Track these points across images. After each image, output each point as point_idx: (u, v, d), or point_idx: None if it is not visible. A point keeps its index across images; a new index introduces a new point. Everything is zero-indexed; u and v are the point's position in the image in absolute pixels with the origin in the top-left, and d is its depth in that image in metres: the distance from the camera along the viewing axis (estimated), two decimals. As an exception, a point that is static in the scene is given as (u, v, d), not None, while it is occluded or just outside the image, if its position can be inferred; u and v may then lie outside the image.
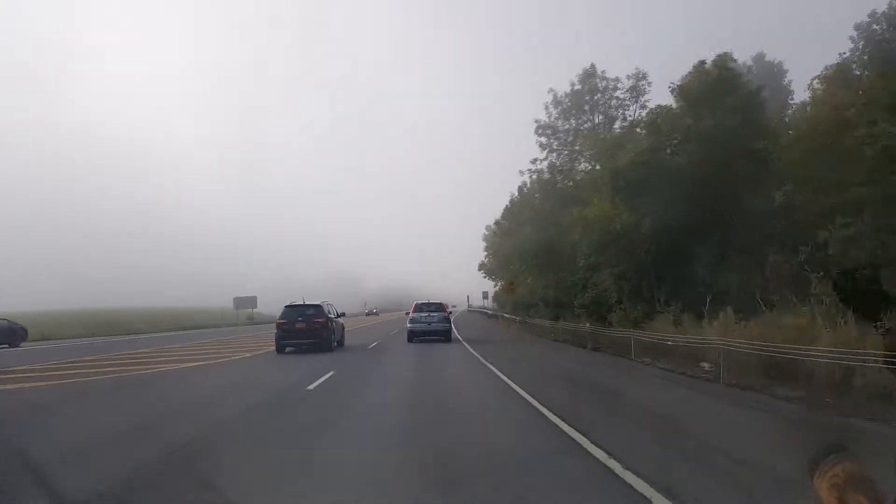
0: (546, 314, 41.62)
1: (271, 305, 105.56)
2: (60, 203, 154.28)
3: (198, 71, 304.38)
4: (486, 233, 77.21)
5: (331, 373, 14.87)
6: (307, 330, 22.27)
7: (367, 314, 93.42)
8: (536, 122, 29.91)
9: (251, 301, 78.80)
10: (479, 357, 19.12)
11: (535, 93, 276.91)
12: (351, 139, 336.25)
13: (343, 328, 26.53)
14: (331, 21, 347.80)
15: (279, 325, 22.74)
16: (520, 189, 45.19)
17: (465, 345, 24.84)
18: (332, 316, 24.26)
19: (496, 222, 45.20)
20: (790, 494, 4.87)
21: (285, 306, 23.67)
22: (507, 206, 44.95)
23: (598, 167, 27.96)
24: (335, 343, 23.79)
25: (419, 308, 27.70)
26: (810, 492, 1.70)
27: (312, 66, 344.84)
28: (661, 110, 23.39)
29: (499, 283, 75.79)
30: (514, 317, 46.27)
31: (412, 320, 27.34)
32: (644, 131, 25.10)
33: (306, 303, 23.54)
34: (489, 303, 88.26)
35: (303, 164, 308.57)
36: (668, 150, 21.41)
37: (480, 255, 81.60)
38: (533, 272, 37.86)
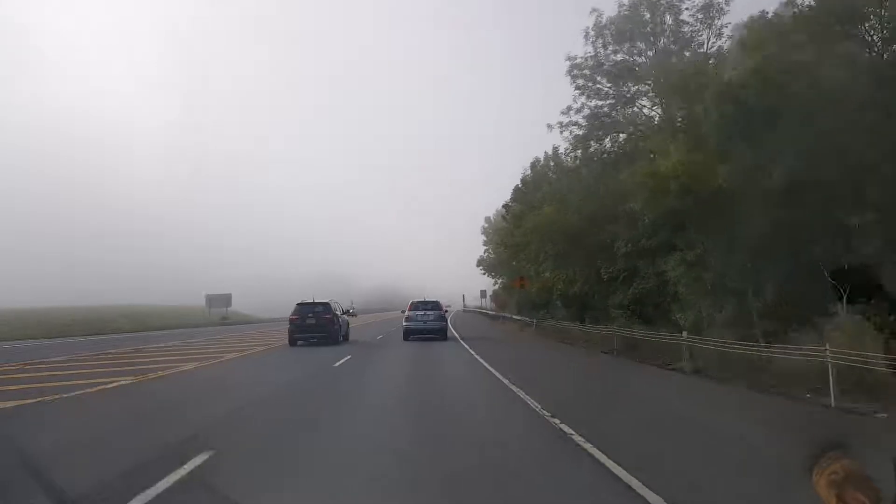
0: (566, 315, 33.53)
1: (255, 304, 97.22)
2: (35, 201, 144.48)
3: (182, 63, 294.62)
4: (486, 225, 69.17)
5: (203, 457, 6.40)
6: (316, 325, 23.98)
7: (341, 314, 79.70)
8: (570, 59, 21.66)
9: (225, 299, 70.24)
10: (526, 398, 10.91)
11: (534, 85, 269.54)
12: (345, 139, 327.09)
13: (348, 324, 27.87)
14: (318, 17, 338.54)
15: (292, 321, 24.53)
16: (533, 165, 37.04)
17: (488, 366, 16.41)
18: (339, 313, 25.99)
19: (505, 205, 36.99)
20: None
21: (297, 304, 25.08)
22: (517, 185, 36.84)
23: (660, 111, 19.86)
24: (341, 337, 25.42)
25: (415, 306, 26.89)
26: (809, 489, 1.59)
27: (305, 64, 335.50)
28: (770, 20, 15.28)
29: (499, 281, 67.73)
30: (524, 318, 38.12)
31: (408, 318, 26.60)
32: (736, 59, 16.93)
33: (316, 301, 25.00)
34: (487, 302, 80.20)
35: (293, 163, 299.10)
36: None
37: (477, 251, 73.67)
38: (552, 263, 29.71)
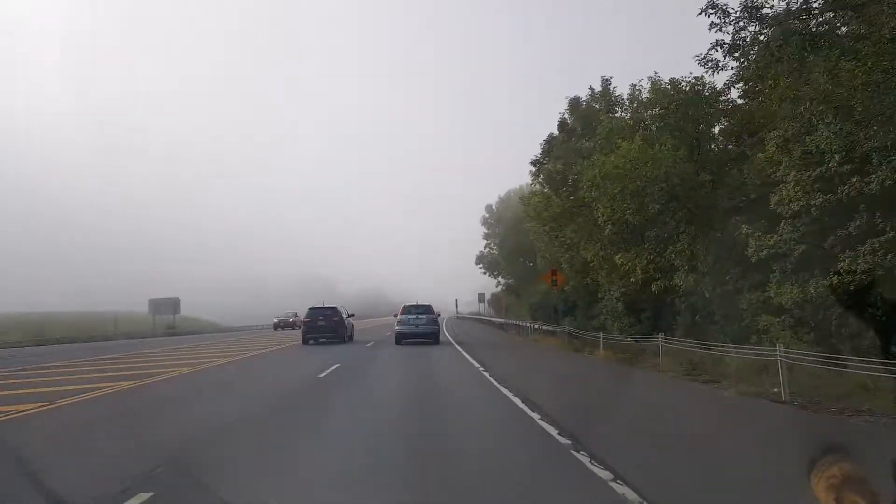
0: (626, 325, 21.46)
1: (227, 310, 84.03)
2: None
3: (167, 56, 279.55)
4: (487, 215, 56.88)
5: None
6: (326, 326, 27.11)
7: (277, 326, 52.42)
8: None
9: (172, 304, 57.17)
10: None
11: (528, 88, 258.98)
12: (328, 138, 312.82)
13: (353, 326, 30.68)
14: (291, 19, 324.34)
15: (305, 323, 27.63)
16: (573, 105, 24.80)
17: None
18: (345, 316, 28.97)
19: (534, 161, 24.51)
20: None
21: (309, 308, 28.41)
22: (550, 135, 24.60)
23: None
24: (347, 337, 28.10)
25: (407, 310, 26.32)
26: (808, 492, 1.56)
27: (289, 61, 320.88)
28: None
29: (502, 281, 55.51)
30: (553, 328, 25.82)
31: (400, 322, 25.90)
32: None
33: (325, 305, 28.75)
34: (485, 308, 67.85)
35: (273, 163, 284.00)
36: None
37: (472, 252, 61.51)
38: (629, 237, 17.69)
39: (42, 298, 67.17)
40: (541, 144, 24.72)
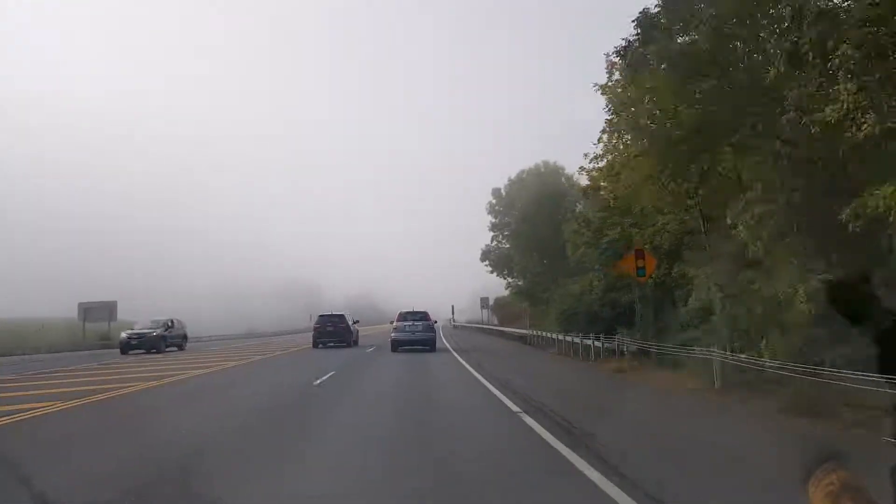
0: (815, 347, 10.69)
1: (198, 317, 72.80)
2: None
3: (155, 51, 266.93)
4: (494, 201, 46.06)
5: None
6: (334, 332, 29.35)
7: (127, 346, 28.80)
8: None
9: (106, 310, 45.72)
10: None
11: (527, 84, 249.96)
12: (315, 137, 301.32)
13: (358, 332, 32.62)
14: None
15: (315, 329, 30.22)
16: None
17: None
18: (351, 322, 30.89)
19: (621, 50, 13.38)
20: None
21: (319, 315, 31.43)
22: (645, 11, 14.13)
23: None
24: (353, 342, 30.28)
25: (403, 317, 26.08)
26: (805, 501, 1.45)
27: (284, 62, 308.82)
28: None
29: (512, 282, 44.98)
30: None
31: (396, 329, 25.90)
32: None
33: (333, 313, 31.68)
34: (487, 315, 57.24)
35: (257, 163, 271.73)
36: None
37: (468, 253, 51.11)
38: None
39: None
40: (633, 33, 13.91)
